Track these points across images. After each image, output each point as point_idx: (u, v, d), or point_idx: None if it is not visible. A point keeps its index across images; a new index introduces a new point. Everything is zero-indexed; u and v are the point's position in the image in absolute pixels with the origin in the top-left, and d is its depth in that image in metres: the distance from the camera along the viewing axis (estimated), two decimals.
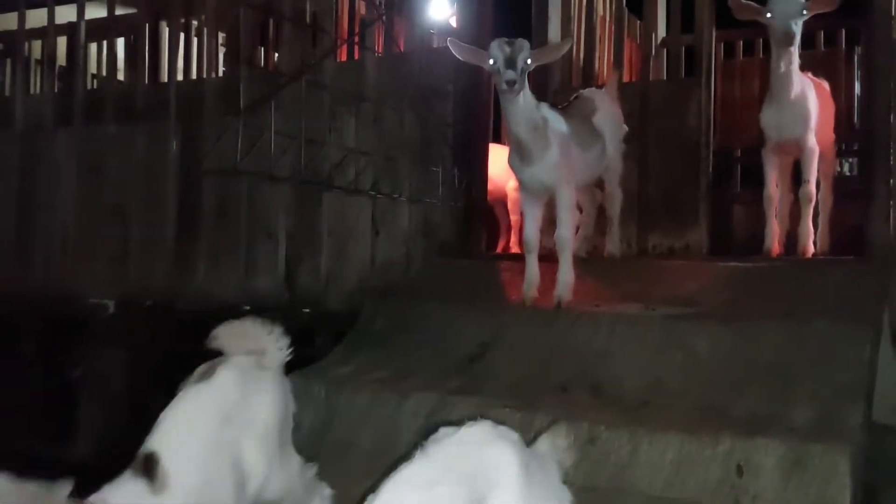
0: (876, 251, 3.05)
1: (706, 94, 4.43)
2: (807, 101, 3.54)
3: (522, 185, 3.21)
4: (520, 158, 3.10)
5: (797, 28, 3.36)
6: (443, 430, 1.62)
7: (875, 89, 3.11)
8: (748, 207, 5.82)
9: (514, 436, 1.63)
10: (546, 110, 3.12)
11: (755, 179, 6.43)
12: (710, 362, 2.48)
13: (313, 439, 2.71)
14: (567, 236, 3.09)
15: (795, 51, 3.45)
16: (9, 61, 6.43)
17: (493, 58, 2.88)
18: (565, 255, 3.09)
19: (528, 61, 2.88)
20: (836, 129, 4.04)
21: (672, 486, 2.02)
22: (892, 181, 3.03)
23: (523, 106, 2.98)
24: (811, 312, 2.59)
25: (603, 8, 5.52)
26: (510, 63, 2.83)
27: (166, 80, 5.24)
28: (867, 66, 3.38)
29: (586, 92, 3.76)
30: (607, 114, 3.62)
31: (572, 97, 3.68)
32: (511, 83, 2.82)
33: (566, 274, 3.08)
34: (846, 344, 2.34)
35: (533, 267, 3.18)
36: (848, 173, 6.94)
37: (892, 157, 3.03)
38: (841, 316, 2.52)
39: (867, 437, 2.15)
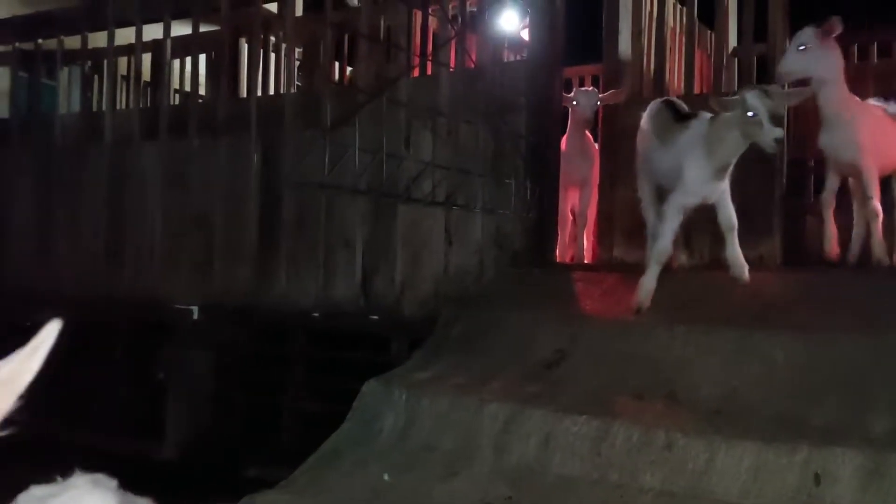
0: None
1: None
2: (859, 124, 3.67)
3: (690, 202, 3.34)
4: (717, 179, 3.26)
5: None
6: (34, 489, 1.45)
7: None
8: (821, 218, 5.76)
9: (113, 483, 1.49)
10: None
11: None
12: (785, 372, 2.51)
13: (394, 442, 2.83)
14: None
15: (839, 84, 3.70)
16: (96, 77, 6.79)
17: (754, 110, 2.88)
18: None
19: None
20: None
21: (749, 493, 2.07)
22: None
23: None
24: (887, 324, 2.60)
25: (673, 19, 5.55)
26: (778, 120, 2.86)
27: (246, 94, 5.46)
28: None
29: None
30: None
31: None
32: (779, 141, 2.86)
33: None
34: None
35: (654, 277, 3.25)
36: None
37: None
38: None
39: None
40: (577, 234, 5.07)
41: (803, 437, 2.11)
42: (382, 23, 5.34)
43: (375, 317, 4.42)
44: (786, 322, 2.84)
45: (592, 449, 2.39)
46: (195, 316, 4.94)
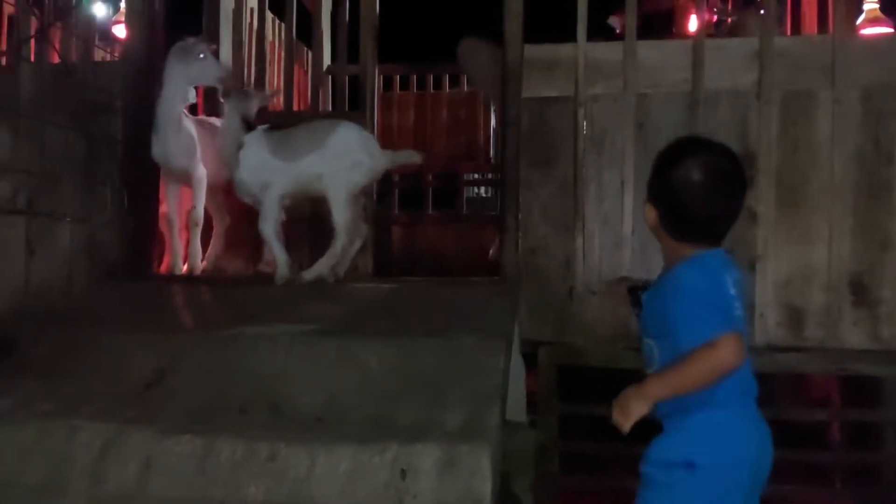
0: (509, 274, 3.63)
1: (370, 126, 4.79)
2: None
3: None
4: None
5: None
6: None
7: (507, 138, 3.68)
8: (405, 229, 6.40)
9: None
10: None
11: (411, 203, 7.11)
12: (378, 377, 2.75)
13: None
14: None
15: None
16: None
17: None
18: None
19: None
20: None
21: (345, 493, 2.24)
22: (519, 216, 3.62)
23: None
24: (461, 327, 3.01)
25: (273, 34, 5.69)
26: None
27: None
28: (502, 116, 3.97)
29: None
30: None
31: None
32: None
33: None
34: (486, 355, 2.76)
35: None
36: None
37: (520, 197, 3.62)
38: (483, 330, 2.96)
39: (502, 435, 2.58)
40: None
41: (392, 437, 2.34)
42: None
43: None
44: (379, 329, 3.12)
45: (196, 468, 2.38)
46: None
